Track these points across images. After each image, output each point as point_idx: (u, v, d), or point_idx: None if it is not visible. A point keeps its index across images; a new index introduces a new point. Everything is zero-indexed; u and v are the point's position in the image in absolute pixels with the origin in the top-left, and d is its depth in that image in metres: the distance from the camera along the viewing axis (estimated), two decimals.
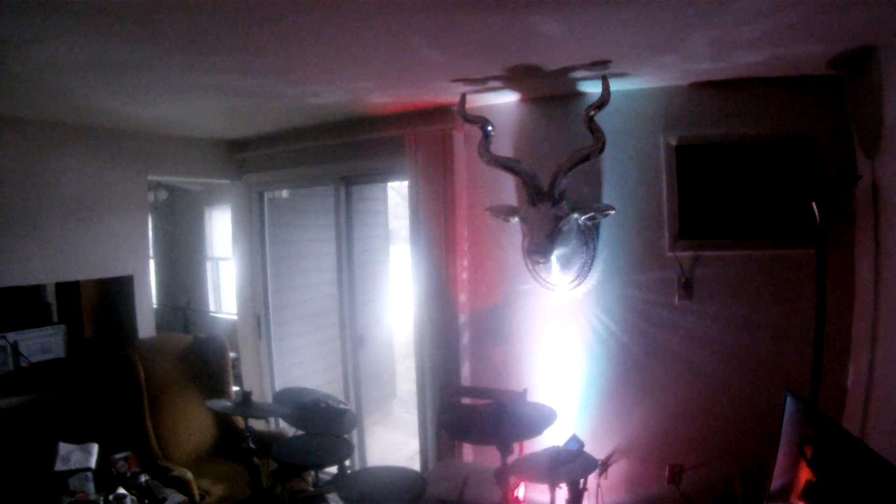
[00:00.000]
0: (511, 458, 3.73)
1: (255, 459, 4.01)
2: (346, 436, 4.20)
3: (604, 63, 3.62)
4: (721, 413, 4.15)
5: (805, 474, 2.35)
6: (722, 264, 4.16)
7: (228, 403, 4.05)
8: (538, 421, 3.79)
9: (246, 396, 3.93)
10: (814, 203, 3.39)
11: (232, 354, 6.35)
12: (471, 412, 4.29)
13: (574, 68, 3.73)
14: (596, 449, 4.33)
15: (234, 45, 3.12)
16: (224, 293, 8.43)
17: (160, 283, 9.03)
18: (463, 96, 4.08)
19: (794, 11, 2.72)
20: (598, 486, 4.45)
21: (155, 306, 8.39)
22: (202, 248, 8.73)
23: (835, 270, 3.69)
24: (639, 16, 2.81)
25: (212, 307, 8.68)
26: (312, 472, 4.31)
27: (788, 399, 2.86)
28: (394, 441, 6.84)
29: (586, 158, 3.85)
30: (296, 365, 6.56)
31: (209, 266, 8.72)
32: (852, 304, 3.80)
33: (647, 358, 4.37)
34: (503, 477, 3.49)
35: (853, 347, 3.78)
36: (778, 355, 4.01)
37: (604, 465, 4.46)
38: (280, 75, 3.79)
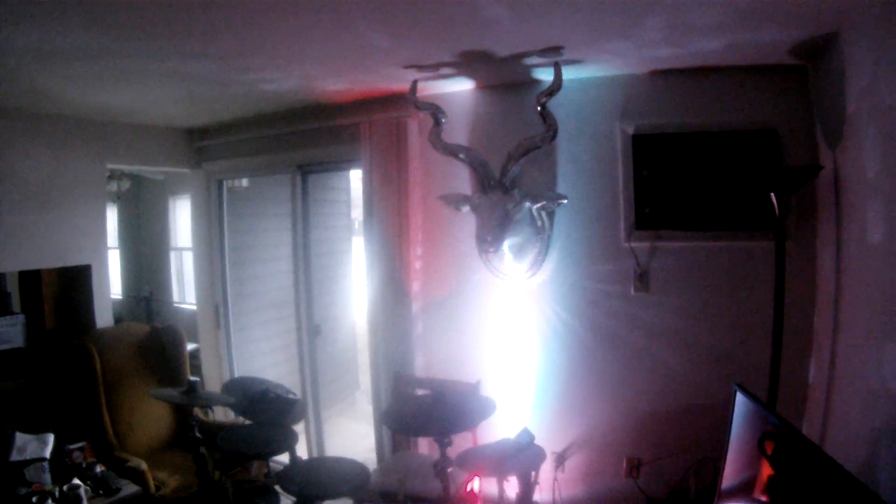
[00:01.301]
0: (460, 451, 3.73)
1: (202, 449, 3.96)
2: (294, 426, 4.16)
3: (556, 49, 3.58)
4: (678, 406, 4.12)
5: (766, 470, 2.31)
6: (679, 255, 4.12)
7: (174, 392, 4.01)
8: (476, 412, 3.79)
9: (191, 385, 3.89)
10: (773, 194, 3.36)
11: (193, 345, 6.33)
12: (410, 404, 4.26)
13: (526, 54, 3.69)
14: (552, 441, 4.39)
15: (183, 29, 3.11)
16: (188, 283, 8.41)
17: (124, 272, 9.02)
18: (414, 83, 4.05)
19: None
20: (555, 479, 4.44)
21: (118, 296, 8.37)
22: (166, 238, 8.71)
23: (796, 262, 3.67)
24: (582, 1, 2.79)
25: (175, 297, 8.67)
26: (262, 463, 4.29)
27: (738, 394, 2.81)
28: (356, 431, 6.80)
29: (536, 146, 3.84)
30: (255, 355, 6.53)
31: (173, 256, 8.70)
32: (814, 296, 3.77)
33: (603, 350, 4.33)
34: (442, 469, 3.46)
35: (815, 340, 3.76)
36: (736, 348, 3.98)
37: (560, 458, 4.44)
38: (230, 60, 3.75)
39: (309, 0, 2.73)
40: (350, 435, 6.71)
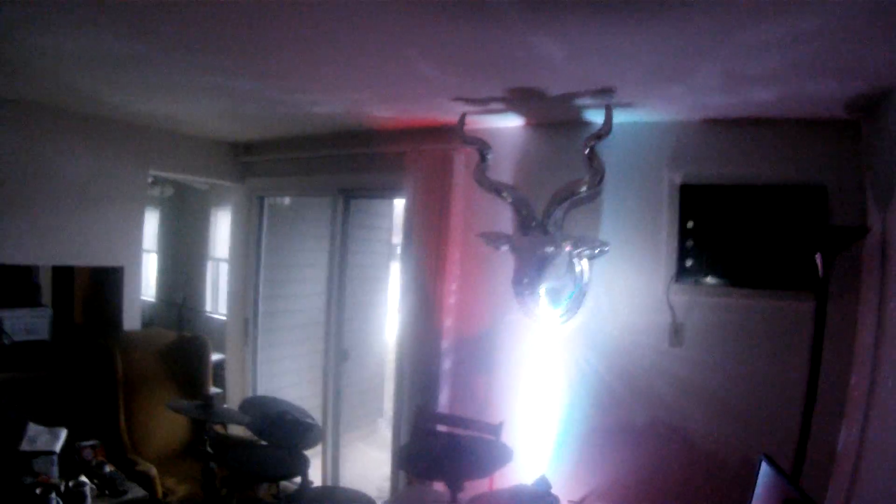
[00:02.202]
0: (474, 493, 3.65)
1: (213, 464, 3.93)
2: (308, 451, 4.11)
3: (608, 91, 3.53)
4: (702, 465, 4.01)
5: None
6: (717, 311, 4.02)
7: (190, 405, 3.99)
8: (491, 461, 3.73)
9: (207, 400, 3.87)
10: (818, 254, 3.29)
11: (220, 356, 6.33)
12: (425, 444, 4.19)
13: (577, 95, 3.65)
14: (571, 489, 4.29)
15: (230, 46, 3.12)
16: (221, 294, 8.42)
17: (160, 277, 9.10)
18: (462, 116, 4.03)
19: (808, 46, 2.62)
20: None
21: (152, 300, 8.44)
22: (205, 248, 8.78)
23: (835, 326, 3.54)
24: (644, 43, 2.74)
25: (208, 307, 8.71)
26: (271, 485, 4.26)
27: (763, 464, 2.75)
28: (374, 458, 6.76)
29: (580, 191, 3.77)
30: (280, 374, 6.52)
31: (210, 266, 8.77)
32: (850, 362, 3.64)
33: (630, 401, 4.24)
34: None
35: (847, 409, 3.62)
36: (767, 410, 3.86)
37: None
38: (276, 80, 3.77)
39: (358, 25, 2.71)
40: (367, 462, 6.67)
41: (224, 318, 7.31)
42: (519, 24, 2.58)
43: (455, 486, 3.34)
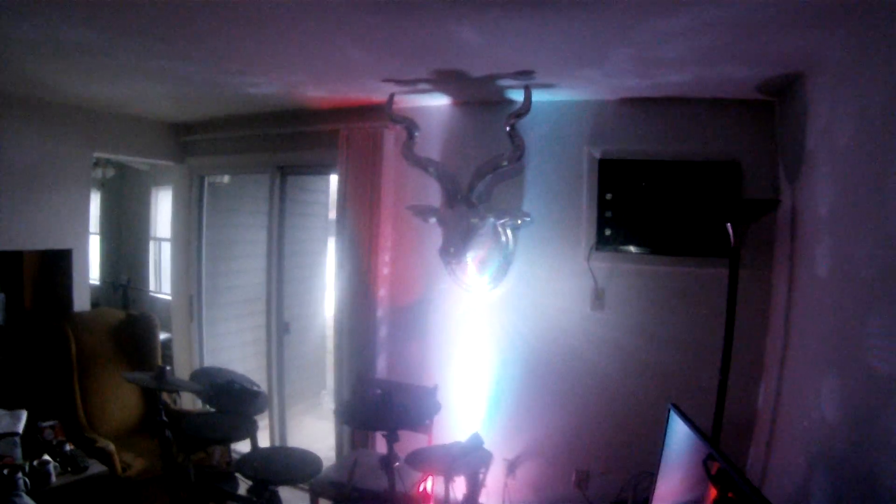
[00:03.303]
0: (408, 449, 3.88)
1: (168, 432, 4.09)
2: (255, 416, 4.29)
3: (528, 73, 3.73)
4: (627, 422, 4.25)
5: (711, 490, 2.29)
6: (636, 277, 4.26)
7: (144, 376, 4.14)
8: (421, 411, 3.99)
9: (160, 371, 4.01)
10: (729, 224, 3.46)
11: (167, 335, 6.44)
12: (363, 400, 4.42)
13: (499, 76, 3.83)
14: (504, 449, 4.56)
15: (172, 31, 3.23)
16: (165, 274, 8.46)
17: (104, 259, 9.05)
18: (391, 96, 4.19)
19: (716, 34, 2.82)
20: (506, 485, 4.59)
21: (97, 282, 8.43)
22: (147, 228, 8.76)
23: (749, 291, 3.80)
24: (558, 29, 2.92)
25: (152, 287, 8.74)
26: (225, 451, 4.42)
27: (672, 413, 2.84)
28: (320, 429, 6.86)
29: (502, 166, 3.98)
30: (226, 348, 6.62)
31: (153, 246, 8.76)
32: (766, 325, 3.91)
33: (557, 363, 4.46)
34: (388, 464, 3.60)
35: (765, 367, 3.86)
36: (686, 370, 4.10)
37: (512, 465, 4.59)
38: (215, 64, 3.88)
39: (293, 12, 2.86)
40: (314, 432, 6.78)
41: (168, 297, 7.39)
42: (439, 13, 2.76)
43: (391, 435, 3.54)
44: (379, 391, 3.77)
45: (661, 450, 2.88)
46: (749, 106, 3.95)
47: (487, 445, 4.07)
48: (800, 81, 3.39)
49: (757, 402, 3.91)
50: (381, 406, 3.66)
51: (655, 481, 2.94)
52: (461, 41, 3.16)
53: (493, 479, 4.57)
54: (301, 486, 4.80)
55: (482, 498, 4.29)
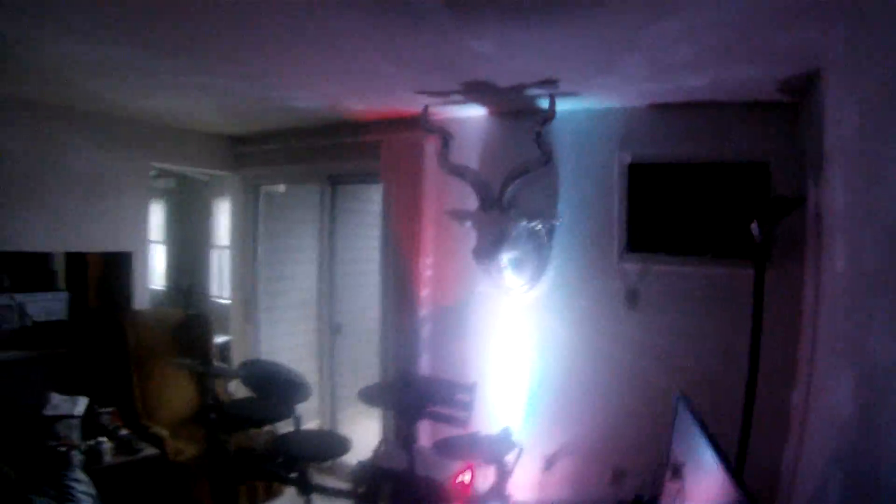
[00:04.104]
0: (434, 436, 4.16)
1: (213, 415, 4.36)
2: (297, 405, 4.50)
3: (552, 82, 3.87)
4: (664, 420, 4.10)
5: None
6: (667, 278, 4.31)
7: (192, 362, 4.44)
8: (438, 398, 4.20)
9: (207, 359, 4.29)
10: (753, 223, 3.48)
11: (226, 337, 6.75)
12: (384, 386, 4.74)
13: (526, 86, 3.99)
14: (541, 444, 4.65)
15: (214, 50, 3.53)
16: (226, 280, 8.75)
17: (168, 266, 9.43)
18: (425, 108, 4.40)
19: (721, 33, 2.88)
20: (542, 480, 4.70)
21: (161, 287, 8.80)
22: (208, 236, 9.08)
23: (779, 291, 3.78)
24: (565, 39, 3.06)
25: (214, 292, 9.06)
26: (267, 437, 4.72)
27: (680, 405, 2.92)
28: (373, 428, 7.08)
29: (529, 170, 4.16)
30: (281, 349, 6.79)
31: (214, 253, 9.07)
32: (799, 325, 3.81)
33: (593, 363, 4.54)
34: (408, 443, 3.80)
35: (798, 367, 3.79)
36: (716, 369, 4.10)
37: (548, 462, 4.69)
38: (257, 79, 4.15)
39: (325, 31, 3.09)
40: (364, 431, 6.99)
41: (228, 301, 7.72)
42: (456, 29, 2.96)
43: (408, 417, 3.81)
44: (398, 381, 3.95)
45: (671, 440, 2.97)
46: (776, 108, 3.96)
47: (525, 442, 4.25)
48: (817, 80, 3.36)
49: (791, 403, 3.84)
50: (401, 391, 3.85)
51: (665, 474, 3.02)
52: (481, 54, 3.34)
53: (530, 474, 4.67)
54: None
55: (519, 493, 4.47)
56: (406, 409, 3.82)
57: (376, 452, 4.36)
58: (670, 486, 2.87)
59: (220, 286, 8.95)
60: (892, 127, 2.16)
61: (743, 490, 2.01)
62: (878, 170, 2.34)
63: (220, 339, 6.20)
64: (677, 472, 2.78)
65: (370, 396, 4.14)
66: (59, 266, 5.76)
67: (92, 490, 3.74)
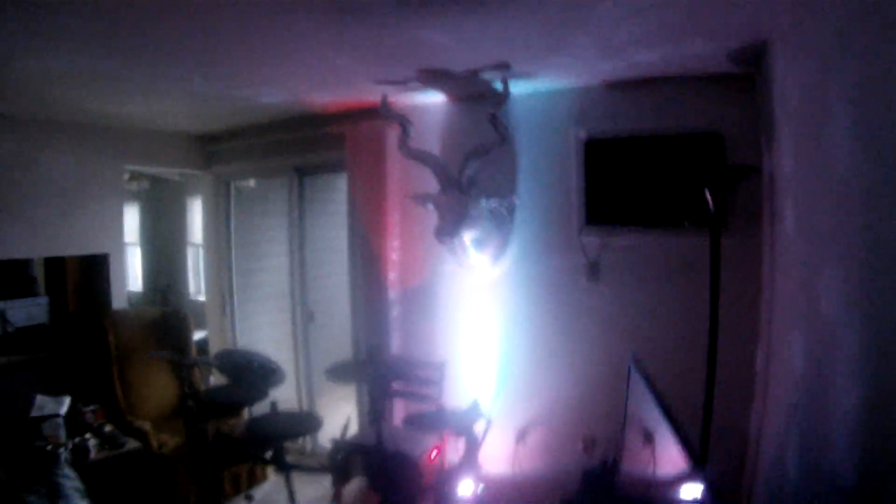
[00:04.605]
0: (406, 411, 4.31)
1: (191, 403, 4.56)
2: (271, 389, 4.69)
3: (505, 65, 3.97)
4: (625, 387, 4.31)
5: None
6: (626, 250, 4.44)
7: (169, 353, 4.61)
8: (398, 374, 4.47)
9: (184, 350, 4.44)
10: (706, 190, 3.56)
11: (204, 333, 6.87)
12: (352, 364, 4.90)
13: (480, 70, 4.09)
14: (513, 418, 4.82)
15: (184, 55, 3.68)
16: (203, 278, 8.84)
17: (145, 267, 9.50)
18: (384, 97, 4.49)
19: (675, 8, 2.90)
20: (516, 452, 4.86)
21: (139, 289, 8.87)
22: (184, 235, 9.14)
23: (738, 258, 3.89)
24: (518, 22, 3.12)
25: (192, 290, 9.15)
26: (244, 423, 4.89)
27: (632, 369, 3.02)
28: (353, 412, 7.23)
29: (485, 151, 4.27)
30: (258, 342, 6.85)
31: (190, 252, 9.15)
32: (759, 290, 3.85)
33: (559, 336, 4.69)
34: (378, 416, 3.99)
35: (760, 332, 3.84)
36: (677, 336, 4.21)
37: (521, 434, 4.85)
38: (228, 79, 4.32)
39: (282, 29, 3.22)
40: (342, 415, 7.12)
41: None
42: (403, 19, 3.06)
43: (375, 391, 4.03)
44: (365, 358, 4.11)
45: (626, 403, 3.13)
46: (731, 80, 3.99)
47: (496, 415, 4.43)
48: (766, 52, 3.44)
49: (756, 366, 3.87)
50: (368, 367, 4.03)
51: (624, 437, 3.19)
52: (433, 43, 3.45)
53: (503, 447, 4.84)
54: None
55: (493, 467, 4.68)
56: (374, 385, 3.96)
57: (344, 429, 4.50)
58: (642, 452, 2.88)
59: (198, 285, 9.03)
60: (830, 94, 2.28)
61: (688, 448, 2.11)
62: (819, 135, 2.46)
63: (198, 335, 6.31)
64: (649, 437, 2.78)
65: (338, 374, 4.29)
66: (39, 272, 5.92)
67: (80, 485, 3.89)
